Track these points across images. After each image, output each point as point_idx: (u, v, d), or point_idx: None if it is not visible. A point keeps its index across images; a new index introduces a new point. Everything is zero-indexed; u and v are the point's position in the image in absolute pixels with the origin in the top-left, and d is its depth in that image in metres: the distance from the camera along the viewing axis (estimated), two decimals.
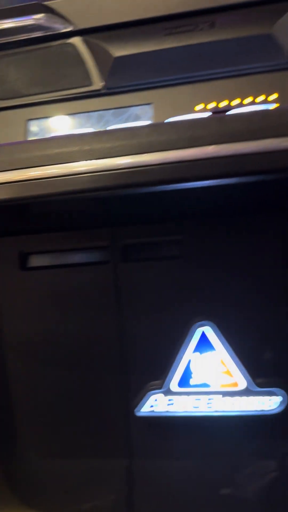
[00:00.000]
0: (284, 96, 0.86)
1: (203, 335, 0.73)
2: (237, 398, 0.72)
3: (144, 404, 0.75)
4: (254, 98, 0.87)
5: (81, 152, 0.62)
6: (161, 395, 0.74)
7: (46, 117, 0.92)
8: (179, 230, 0.75)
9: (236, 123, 0.58)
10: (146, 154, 0.60)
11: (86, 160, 0.62)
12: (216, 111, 0.85)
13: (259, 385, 0.72)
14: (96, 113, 0.90)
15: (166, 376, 0.74)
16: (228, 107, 0.86)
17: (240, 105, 0.87)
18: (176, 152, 0.59)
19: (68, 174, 0.62)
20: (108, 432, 0.79)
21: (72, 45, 0.88)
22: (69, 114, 0.91)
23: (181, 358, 0.74)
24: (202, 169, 0.59)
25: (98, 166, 0.61)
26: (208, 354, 0.74)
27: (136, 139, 0.61)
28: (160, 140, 0.60)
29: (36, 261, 0.83)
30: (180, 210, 0.74)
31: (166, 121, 0.63)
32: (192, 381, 0.74)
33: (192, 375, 0.74)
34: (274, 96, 0.86)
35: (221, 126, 0.58)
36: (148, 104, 0.89)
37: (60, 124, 0.92)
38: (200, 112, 0.86)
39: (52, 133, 0.91)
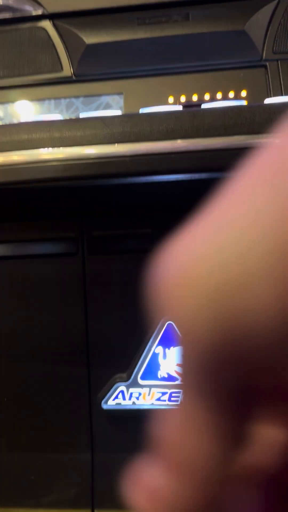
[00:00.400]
0: (253, 93, 0.87)
1: (170, 329, 0.74)
2: None
3: (109, 397, 0.74)
4: (224, 93, 0.87)
5: (50, 139, 0.60)
6: (127, 387, 0.74)
7: (13, 102, 0.89)
8: (148, 223, 0.75)
9: (210, 118, 0.58)
10: (118, 145, 0.60)
11: (55, 148, 0.60)
12: (187, 105, 0.85)
13: None
14: (65, 100, 0.88)
15: (132, 369, 0.74)
16: (199, 101, 0.86)
17: (210, 99, 0.87)
18: (149, 144, 0.59)
19: (36, 161, 0.60)
20: (71, 425, 0.78)
21: (42, 29, 0.85)
22: (37, 100, 0.88)
23: (148, 351, 0.74)
24: (174, 163, 0.58)
25: (68, 155, 0.60)
26: (174, 348, 0.74)
27: (109, 128, 0.60)
28: (133, 131, 0.59)
29: None
30: (149, 203, 0.74)
31: (140, 111, 0.62)
32: (158, 374, 0.74)
33: (158, 368, 0.74)
34: (243, 92, 0.87)
35: (195, 121, 0.58)
36: (119, 94, 0.88)
37: (27, 109, 0.89)
38: (171, 105, 0.86)
39: (19, 118, 0.88)
